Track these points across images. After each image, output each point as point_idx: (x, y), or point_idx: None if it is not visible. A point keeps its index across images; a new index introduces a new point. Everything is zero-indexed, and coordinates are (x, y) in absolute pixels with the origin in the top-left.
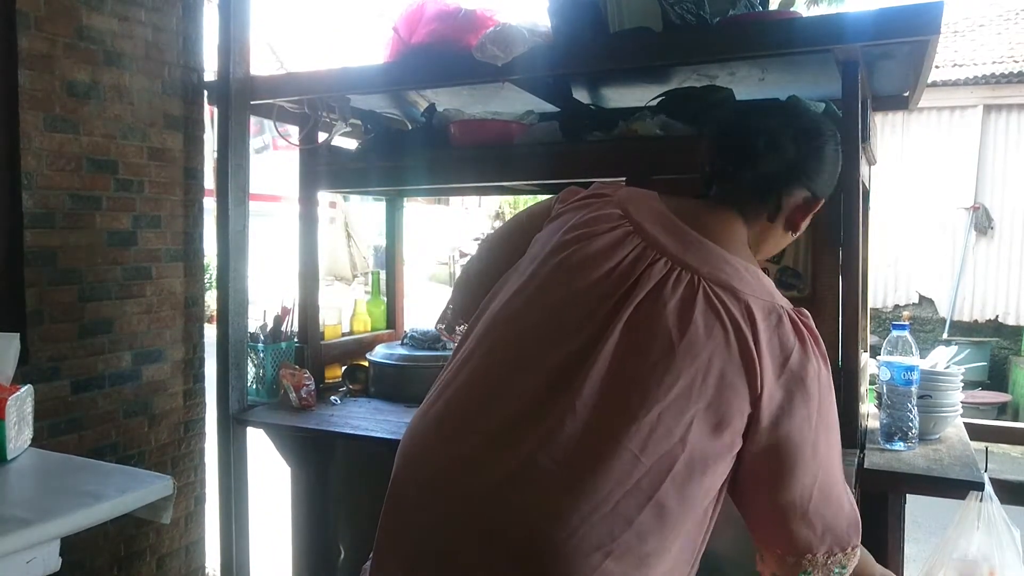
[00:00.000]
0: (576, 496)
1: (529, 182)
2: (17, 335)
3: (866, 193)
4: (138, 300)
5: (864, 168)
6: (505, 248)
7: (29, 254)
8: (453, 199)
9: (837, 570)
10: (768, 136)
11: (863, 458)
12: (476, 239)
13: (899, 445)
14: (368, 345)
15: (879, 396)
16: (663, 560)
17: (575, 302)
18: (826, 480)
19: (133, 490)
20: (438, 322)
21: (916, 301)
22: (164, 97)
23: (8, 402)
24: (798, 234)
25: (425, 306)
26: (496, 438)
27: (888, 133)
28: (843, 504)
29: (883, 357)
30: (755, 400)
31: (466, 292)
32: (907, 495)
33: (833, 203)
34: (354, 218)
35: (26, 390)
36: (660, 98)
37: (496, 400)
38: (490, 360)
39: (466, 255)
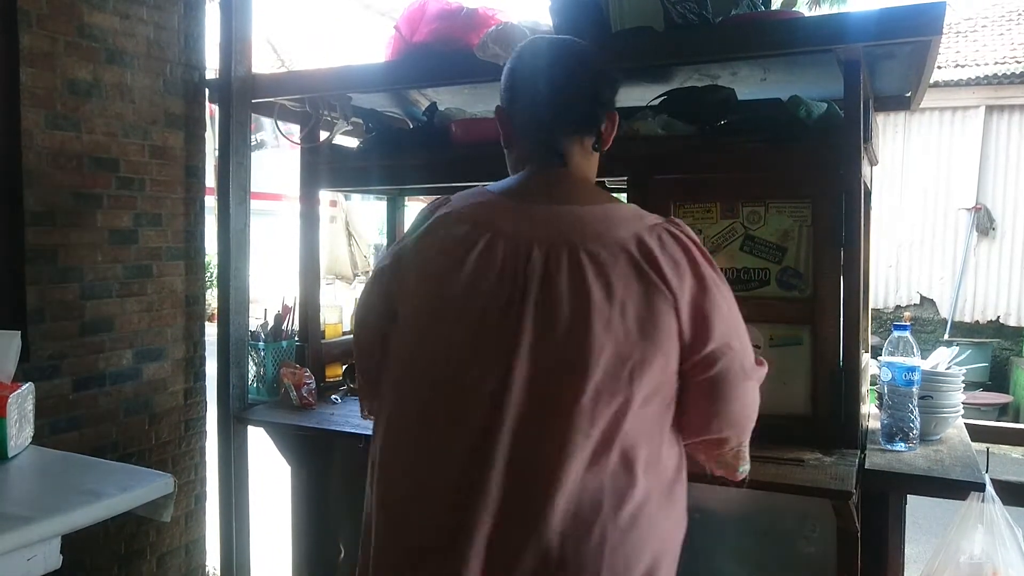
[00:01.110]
0: (552, 502)
1: None
2: (18, 333)
3: (867, 194)
4: (139, 298)
5: (866, 169)
6: (379, 322)
7: (30, 252)
8: None
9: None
10: (572, 84)
11: (864, 458)
12: None
13: (900, 446)
14: None
15: (880, 397)
16: (643, 489)
17: (474, 336)
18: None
19: (133, 488)
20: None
21: (917, 302)
22: (165, 95)
23: (9, 400)
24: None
25: None
26: (453, 506)
27: (890, 134)
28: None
29: (884, 358)
30: (677, 313)
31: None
32: (908, 496)
33: (835, 204)
34: (355, 217)
35: (27, 388)
36: (662, 98)
37: (438, 465)
38: (421, 425)
39: None
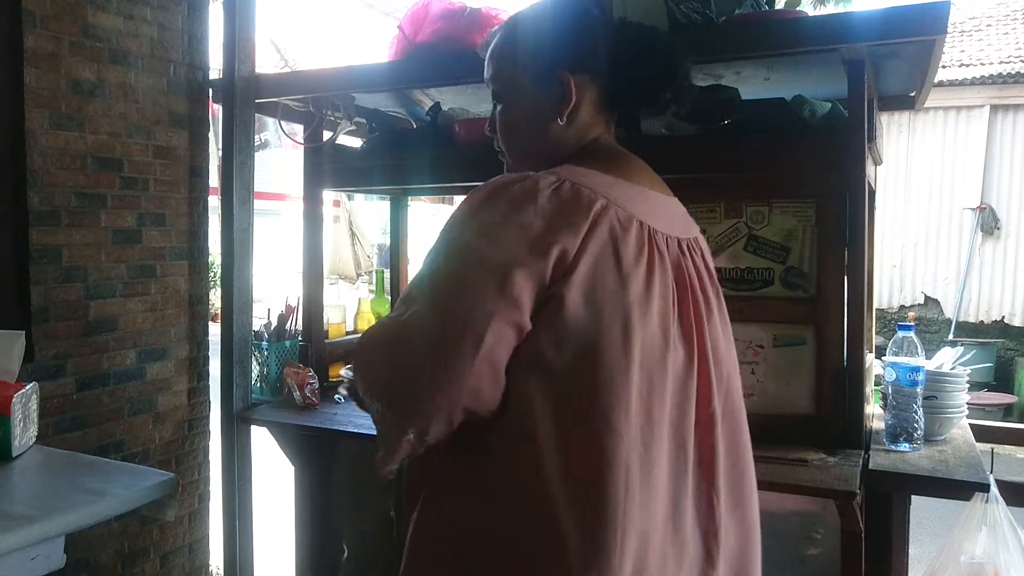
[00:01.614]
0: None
1: None
2: (22, 333)
3: (872, 193)
4: (143, 298)
5: (870, 168)
6: (506, 333)
7: (34, 252)
8: (457, 198)
9: None
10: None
11: (868, 459)
12: None
13: (904, 446)
14: None
15: (884, 397)
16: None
17: (672, 349)
18: None
19: (137, 487)
20: (389, 462)
21: (922, 302)
22: (169, 95)
23: (14, 399)
24: None
25: None
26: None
27: (894, 133)
28: None
29: (888, 358)
30: None
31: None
32: (912, 496)
33: (839, 203)
34: (358, 217)
35: (31, 387)
36: None
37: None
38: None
39: None
